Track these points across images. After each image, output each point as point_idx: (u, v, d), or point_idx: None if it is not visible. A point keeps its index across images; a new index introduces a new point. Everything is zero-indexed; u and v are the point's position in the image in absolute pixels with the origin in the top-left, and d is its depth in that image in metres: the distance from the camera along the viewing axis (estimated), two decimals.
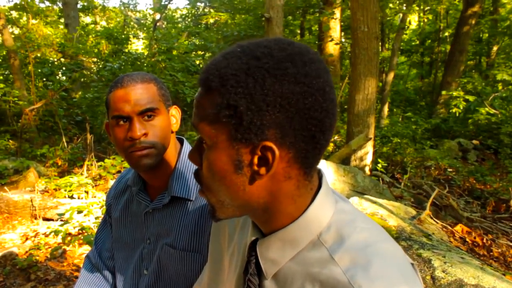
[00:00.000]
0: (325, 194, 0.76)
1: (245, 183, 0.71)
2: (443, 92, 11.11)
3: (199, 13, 16.84)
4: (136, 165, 1.21)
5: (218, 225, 1.00)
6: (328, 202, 0.75)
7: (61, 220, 4.53)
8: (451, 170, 7.82)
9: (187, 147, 1.36)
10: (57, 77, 10.11)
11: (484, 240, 3.80)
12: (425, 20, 15.97)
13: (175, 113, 1.32)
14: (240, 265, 0.86)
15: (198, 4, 16.81)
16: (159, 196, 1.30)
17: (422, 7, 14.89)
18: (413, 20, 18.14)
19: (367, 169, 6.38)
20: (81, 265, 3.78)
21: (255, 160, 0.68)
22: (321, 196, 0.75)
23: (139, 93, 1.19)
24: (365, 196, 4.24)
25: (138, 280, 1.35)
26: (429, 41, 15.93)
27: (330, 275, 0.67)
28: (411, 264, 0.71)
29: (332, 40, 9.75)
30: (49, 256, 3.87)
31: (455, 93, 9.75)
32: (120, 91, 1.19)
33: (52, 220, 4.78)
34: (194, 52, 12.84)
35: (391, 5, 13.04)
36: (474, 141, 9.94)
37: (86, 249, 4.06)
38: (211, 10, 15.65)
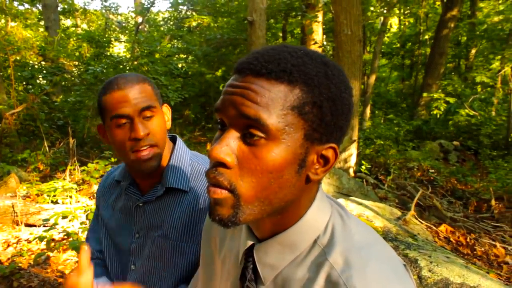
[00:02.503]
0: (321, 197, 0.76)
1: (296, 183, 0.70)
2: (425, 94, 11.28)
3: (181, 16, 16.76)
4: (140, 168, 1.21)
5: (209, 229, 1.00)
6: (324, 206, 0.76)
7: (44, 226, 4.45)
8: (433, 171, 7.94)
9: (181, 143, 1.37)
10: (38, 81, 9.95)
11: (468, 240, 3.87)
12: (406, 23, 16.19)
13: (166, 111, 1.33)
14: (234, 271, 0.85)
15: (181, 7, 16.73)
16: (152, 190, 1.30)
17: (402, 11, 15.09)
18: (394, 23, 18.37)
19: (351, 171, 6.44)
20: (66, 272, 3.72)
21: (317, 160, 0.70)
22: (318, 200, 0.75)
23: (137, 93, 1.20)
24: (351, 197, 4.28)
25: (125, 276, 1.35)
26: (410, 44, 16.13)
27: (327, 277, 0.68)
28: (404, 265, 0.73)
29: (316, 43, 9.81)
30: (32, 262, 3.80)
31: (436, 95, 9.90)
32: (118, 93, 1.19)
33: (35, 226, 4.70)
34: (176, 55, 12.78)
35: (372, 8, 13.19)
36: (455, 142, 10.11)
37: (70, 254, 4.00)
38: (194, 13, 15.60)
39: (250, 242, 0.79)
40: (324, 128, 0.68)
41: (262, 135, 0.65)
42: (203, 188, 1.28)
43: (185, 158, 1.33)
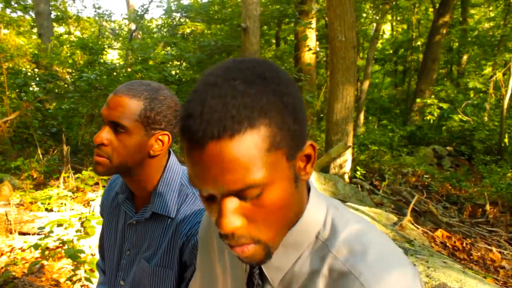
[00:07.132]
0: (315, 194, 0.78)
1: (296, 195, 0.71)
2: (418, 100, 11.35)
3: (175, 23, 16.77)
4: (93, 168, 1.22)
5: (205, 240, 0.99)
6: (320, 202, 0.78)
7: (38, 234, 4.41)
8: (427, 176, 7.97)
9: (173, 161, 1.31)
10: (31, 88, 9.91)
11: (464, 244, 3.88)
12: (399, 29, 16.30)
13: (164, 139, 1.22)
14: (240, 276, 0.85)
15: (174, 14, 16.75)
16: (143, 209, 1.29)
17: (395, 17, 15.20)
18: (387, 29, 18.49)
19: (346, 177, 6.44)
20: (61, 280, 3.68)
21: (302, 163, 0.71)
22: (313, 197, 0.77)
23: (118, 104, 1.15)
24: (347, 203, 4.28)
25: None
26: (402, 50, 16.23)
27: (331, 268, 0.70)
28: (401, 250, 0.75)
29: (310, 49, 9.86)
30: (26, 271, 3.76)
31: (429, 101, 9.97)
32: (110, 96, 1.18)
33: (29, 234, 4.65)
34: (170, 62, 12.77)
35: (365, 14, 13.29)
36: (448, 148, 10.17)
37: (65, 263, 3.96)
38: (187, 20, 15.62)
39: None
40: (297, 140, 0.68)
41: (257, 192, 0.64)
42: (188, 213, 1.24)
43: (175, 180, 1.29)
